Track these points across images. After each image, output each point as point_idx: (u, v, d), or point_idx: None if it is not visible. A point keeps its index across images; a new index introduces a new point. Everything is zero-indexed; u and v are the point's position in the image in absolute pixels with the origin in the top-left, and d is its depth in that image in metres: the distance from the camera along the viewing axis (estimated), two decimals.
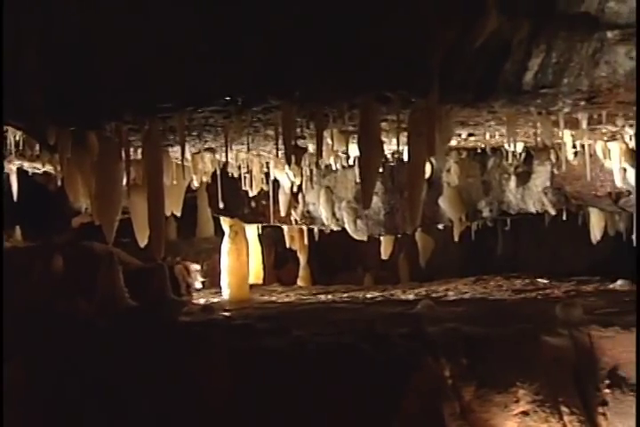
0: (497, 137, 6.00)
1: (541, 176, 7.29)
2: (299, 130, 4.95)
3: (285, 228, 8.98)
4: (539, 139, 5.49)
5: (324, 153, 6.18)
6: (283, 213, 8.02)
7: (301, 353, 4.29)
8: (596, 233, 7.92)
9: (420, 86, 3.98)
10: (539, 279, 7.50)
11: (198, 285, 8.52)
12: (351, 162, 6.46)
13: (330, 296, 7.13)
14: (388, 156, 6.89)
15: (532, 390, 4.43)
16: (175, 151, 5.68)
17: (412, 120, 4.24)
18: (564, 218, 7.91)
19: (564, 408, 4.44)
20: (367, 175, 4.10)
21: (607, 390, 4.59)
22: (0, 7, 3.43)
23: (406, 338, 4.45)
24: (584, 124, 4.98)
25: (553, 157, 6.95)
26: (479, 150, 7.52)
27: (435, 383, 4.25)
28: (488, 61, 4.16)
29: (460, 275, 8.97)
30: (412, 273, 10.13)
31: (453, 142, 6.65)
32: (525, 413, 4.38)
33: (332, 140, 5.22)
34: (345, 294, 7.26)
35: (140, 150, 4.97)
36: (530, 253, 11.53)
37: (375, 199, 7.80)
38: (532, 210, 7.69)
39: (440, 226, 8.37)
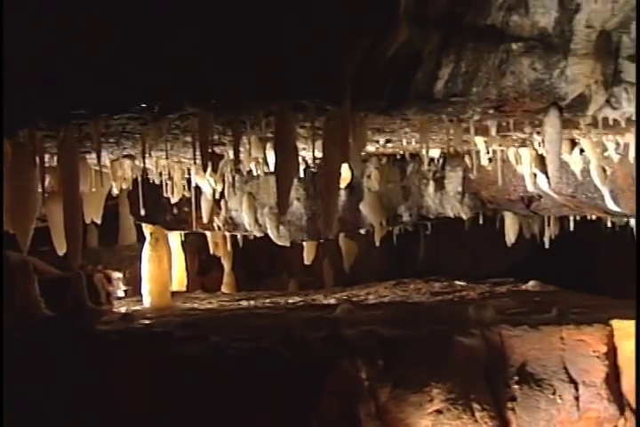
0: (413, 143, 6.16)
1: (453, 182, 7.51)
2: (216, 137, 4.97)
3: (209, 234, 8.95)
4: (451, 145, 5.66)
5: (244, 160, 6.25)
6: (205, 220, 8.00)
7: (219, 359, 4.30)
8: (510, 236, 8.19)
9: (333, 95, 4.06)
10: (456, 282, 7.71)
11: (120, 293, 8.41)
12: (272, 168, 6.49)
13: (252, 302, 7.15)
14: (310, 162, 6.97)
15: (446, 388, 4.57)
16: (93, 158, 5.61)
17: (326, 127, 4.31)
18: (481, 222, 8.16)
19: (475, 405, 4.60)
20: (283, 182, 4.15)
21: (516, 386, 4.78)
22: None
23: (323, 341, 4.52)
24: (493, 132, 5.17)
25: (468, 162, 7.17)
26: (398, 156, 7.68)
27: (351, 385, 4.33)
28: (400, 71, 4.28)
29: (383, 279, 9.12)
30: (337, 278, 10.24)
31: (372, 149, 6.80)
32: (439, 411, 4.51)
33: (250, 146, 5.25)
34: (267, 300, 7.29)
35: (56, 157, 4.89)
36: (450, 257, 11.83)
37: (297, 205, 7.89)
38: (450, 214, 7.90)
39: (362, 231, 8.50)
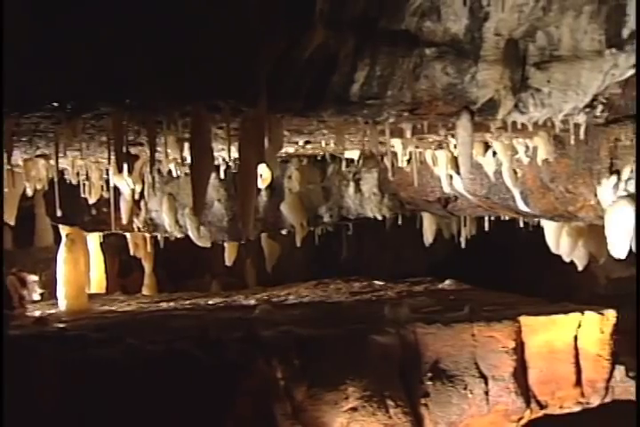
0: (332, 145, 6.23)
1: (368, 182, 7.64)
2: (132, 137, 4.92)
3: (129, 235, 8.81)
4: (367, 147, 5.75)
5: (163, 160, 6.19)
6: (125, 221, 7.88)
7: (134, 361, 4.25)
8: (428, 236, 8.38)
9: (248, 96, 4.08)
10: (375, 281, 7.83)
11: (36, 296, 8.17)
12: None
13: (172, 304, 7.08)
14: (230, 163, 6.96)
15: (361, 386, 4.65)
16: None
17: (242, 128, 4.33)
18: (400, 222, 8.31)
19: (390, 402, 4.70)
20: (198, 182, 4.15)
21: (429, 383, 4.90)
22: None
23: (239, 342, 4.53)
24: (408, 134, 5.28)
25: (388, 163, 7.30)
26: (319, 157, 7.75)
27: (266, 385, 4.36)
28: (316, 73, 4.32)
29: (305, 279, 9.18)
30: (259, 278, 10.24)
31: (292, 150, 6.84)
32: (354, 408, 4.58)
33: (167, 147, 5.21)
34: (187, 301, 7.24)
35: None
36: (373, 256, 12.01)
37: (218, 206, 7.86)
38: (370, 215, 8.02)
39: (283, 231, 8.54)
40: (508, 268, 11.55)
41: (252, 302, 6.83)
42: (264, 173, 6.87)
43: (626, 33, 4.38)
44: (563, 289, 10.53)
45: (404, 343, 4.97)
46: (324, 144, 6.28)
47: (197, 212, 4.25)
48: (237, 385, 4.29)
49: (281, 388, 4.46)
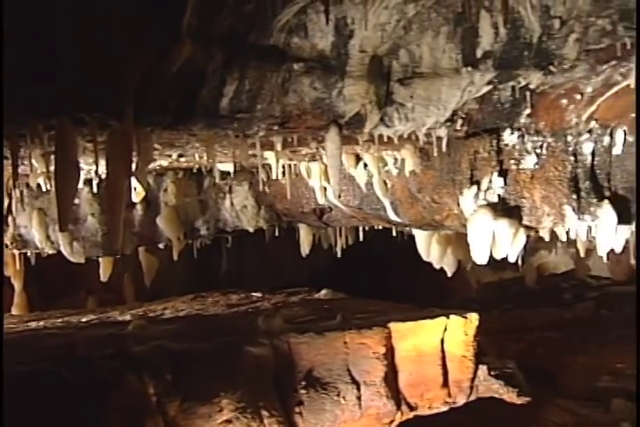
0: (205, 158, 6.24)
1: (240, 195, 7.71)
2: None
3: None
4: (238, 160, 5.80)
5: (30, 174, 5.99)
6: None
7: None
8: (305, 247, 8.51)
9: (114, 109, 4.04)
10: (253, 293, 7.87)
11: None
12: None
13: (42, 323, 6.82)
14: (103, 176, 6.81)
15: (235, 398, 4.66)
16: None
17: (109, 142, 4.28)
18: (277, 234, 8.40)
19: (264, 412, 4.74)
20: (63, 197, 4.06)
21: (303, 391, 4.99)
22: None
23: (109, 359, 4.45)
24: (279, 147, 5.37)
25: (261, 176, 7.37)
26: (195, 170, 7.72)
27: (137, 401, 4.30)
28: (185, 87, 4.35)
29: (185, 293, 9.07)
30: (138, 293, 10.03)
31: (165, 163, 6.79)
32: (229, 421, 4.59)
33: (31, 160, 5.06)
34: (59, 320, 7.00)
35: None
36: (253, 269, 12.04)
37: (91, 220, 7.67)
38: (247, 227, 8.06)
39: (160, 245, 8.43)
40: (385, 276, 11.90)
41: (128, 317, 6.70)
42: (138, 187, 6.78)
43: (479, 53, 4.68)
44: (437, 295, 10.96)
45: (277, 354, 5.03)
46: (197, 157, 6.28)
47: (63, 227, 4.15)
48: (107, 403, 4.20)
49: (153, 403, 4.40)
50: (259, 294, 7.68)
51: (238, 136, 5.08)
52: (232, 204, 7.91)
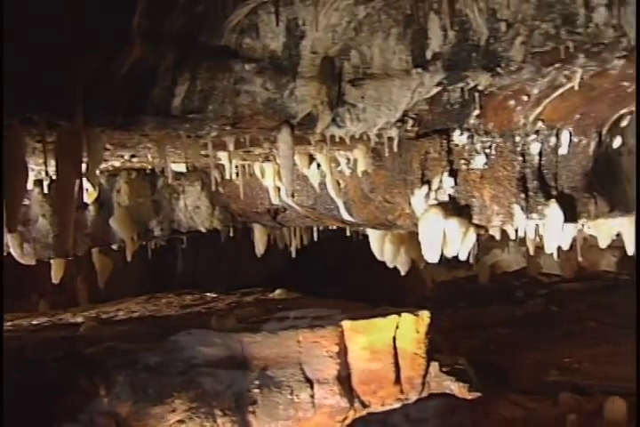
0: (157, 158, 6.20)
1: (192, 196, 7.69)
2: None
3: None
4: (190, 160, 5.79)
5: None
6: None
7: None
8: (260, 247, 8.49)
9: (63, 110, 4.01)
10: (207, 294, 7.85)
11: None
12: None
13: None
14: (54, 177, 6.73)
15: (188, 398, 4.67)
16: None
17: (58, 142, 4.24)
18: (235, 235, 8.39)
19: (217, 412, 4.74)
20: (11, 197, 4.00)
21: (257, 390, 5.00)
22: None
23: (60, 361, 4.41)
24: (231, 147, 5.37)
25: (214, 176, 7.34)
26: (148, 171, 7.66)
27: (88, 403, 4.27)
28: (136, 87, 4.33)
29: (139, 294, 9.00)
30: (92, 295, 9.91)
31: (117, 163, 6.73)
32: (181, 421, 4.59)
33: None
34: (9, 323, 6.89)
35: None
36: (209, 269, 12.00)
37: (42, 222, 7.56)
38: (201, 228, 8.03)
39: (114, 246, 8.34)
40: (340, 275, 11.97)
41: (80, 319, 6.63)
42: (90, 188, 6.71)
43: (429, 54, 4.75)
44: (392, 294, 11.06)
45: (230, 353, 5.04)
46: (150, 158, 6.24)
47: (12, 228, 4.09)
48: (57, 405, 4.17)
49: (104, 405, 4.38)
50: (213, 295, 7.67)
51: (190, 136, 5.07)
52: (186, 204, 7.87)
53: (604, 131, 5.85)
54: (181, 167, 6.69)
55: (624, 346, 6.39)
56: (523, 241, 7.36)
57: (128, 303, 7.61)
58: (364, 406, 5.43)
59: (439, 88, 5.07)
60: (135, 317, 6.49)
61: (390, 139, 5.54)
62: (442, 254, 5.73)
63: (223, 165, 6.64)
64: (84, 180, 4.78)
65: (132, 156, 6.21)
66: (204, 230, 8.01)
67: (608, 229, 6.36)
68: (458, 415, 5.24)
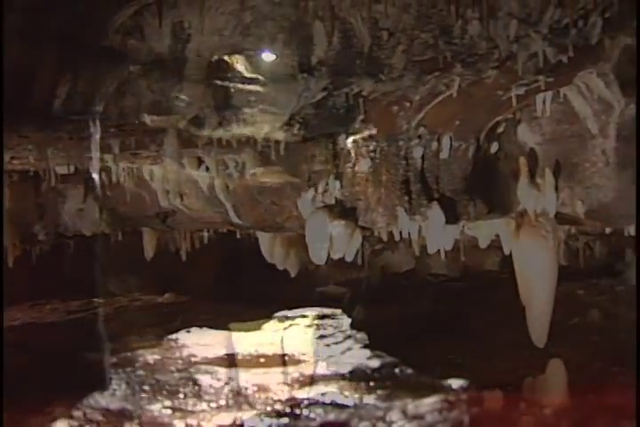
0: (39, 160, 6.02)
1: (75, 199, 7.52)
2: None
3: None
4: (73, 162, 5.66)
5: None
6: None
7: None
8: (149, 251, 8.39)
9: None
10: (94, 299, 7.68)
11: None
12: None
13: None
14: None
15: (69, 406, 4.54)
16: None
17: None
18: (120, 238, 8.24)
19: (101, 418, 4.63)
20: None
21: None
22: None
23: None
24: (116, 150, 5.29)
25: (105, 179, 7.18)
26: (32, 173, 7.41)
27: None
28: (15, 87, 4.20)
29: (23, 301, 8.66)
30: None
31: None
32: None
33: None
34: None
35: None
36: (97, 273, 11.64)
37: None
38: (88, 232, 7.84)
39: None
40: (232, 278, 11.91)
41: None
42: None
43: (314, 60, 4.84)
44: (284, 295, 11.11)
45: (120, 360, 4.96)
46: (31, 160, 6.05)
47: None
48: None
49: None
50: (101, 300, 7.50)
51: (72, 138, 4.96)
52: (72, 208, 7.66)
53: (482, 137, 6.11)
54: (66, 170, 6.52)
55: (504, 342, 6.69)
56: (411, 242, 7.58)
57: (10, 311, 7.32)
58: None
59: (325, 93, 5.17)
60: (16, 324, 6.26)
61: (277, 142, 5.60)
62: (329, 256, 5.82)
63: (110, 168, 6.51)
64: None
65: (12, 158, 6.00)
66: (90, 234, 7.82)
67: (487, 230, 6.63)
68: None
